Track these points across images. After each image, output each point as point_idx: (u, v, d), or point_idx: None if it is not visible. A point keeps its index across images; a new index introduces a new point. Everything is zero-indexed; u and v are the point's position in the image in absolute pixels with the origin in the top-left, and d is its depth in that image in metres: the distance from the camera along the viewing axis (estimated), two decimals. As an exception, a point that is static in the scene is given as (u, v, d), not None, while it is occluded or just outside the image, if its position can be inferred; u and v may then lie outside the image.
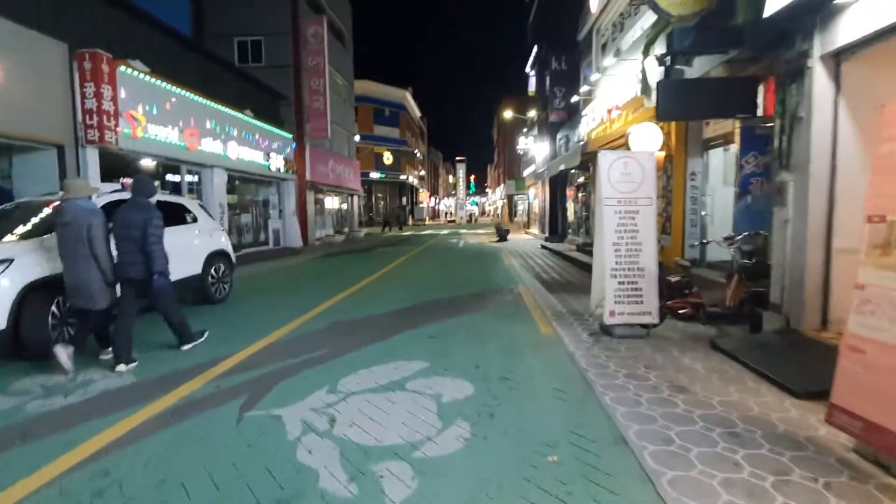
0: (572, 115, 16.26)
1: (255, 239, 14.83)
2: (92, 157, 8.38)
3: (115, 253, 4.23)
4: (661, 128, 8.12)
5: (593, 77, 10.77)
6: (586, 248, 12.39)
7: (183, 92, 10.55)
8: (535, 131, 24.01)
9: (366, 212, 41.96)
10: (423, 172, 59.23)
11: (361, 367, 4.03)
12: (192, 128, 10.86)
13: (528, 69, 25.23)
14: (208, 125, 11.57)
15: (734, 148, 7.16)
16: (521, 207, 47.76)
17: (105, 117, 8.29)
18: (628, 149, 9.53)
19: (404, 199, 46.35)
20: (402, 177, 45.43)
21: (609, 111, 10.23)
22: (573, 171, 16.24)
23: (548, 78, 18.38)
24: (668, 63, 6.21)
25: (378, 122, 42.70)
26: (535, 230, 25.64)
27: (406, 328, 5.39)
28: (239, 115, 13.03)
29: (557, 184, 19.28)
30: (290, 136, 16.62)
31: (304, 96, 19.35)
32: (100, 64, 8.27)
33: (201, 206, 7.09)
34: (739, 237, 5.12)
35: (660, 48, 7.79)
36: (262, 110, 15.16)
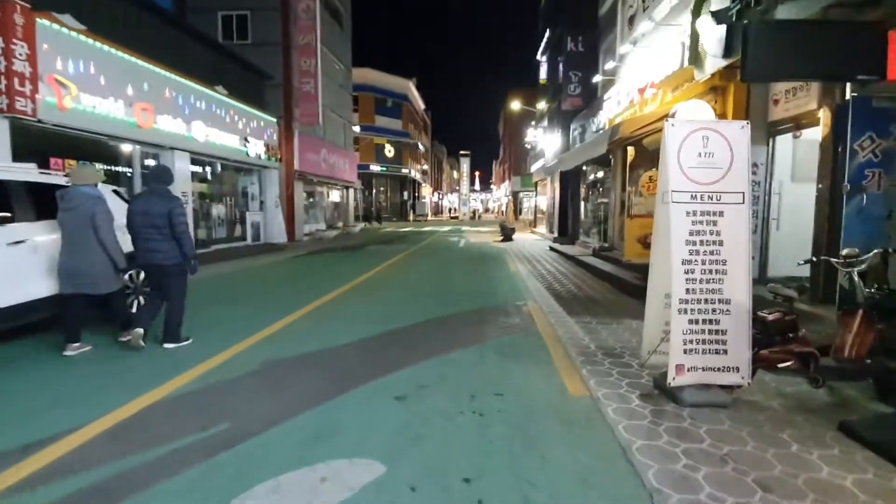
0: (589, 102, 14.53)
1: (229, 233, 13.19)
2: (-1, 129, 6.73)
3: (127, 240, 4.38)
4: (714, 107, 6.41)
5: (623, 49, 9.03)
6: (605, 254, 10.70)
7: (131, 58, 8.89)
8: (545, 123, 22.26)
9: (365, 206, 40.34)
10: (426, 166, 57.49)
11: (266, 473, 2.35)
12: (145, 101, 9.20)
13: (538, 56, 23.45)
14: (167, 100, 9.91)
15: (812, 133, 5.47)
16: (526, 205, 46.03)
17: (16, 80, 6.64)
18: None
19: (405, 194, 44.67)
20: (404, 170, 43.73)
21: (641, 90, 8.52)
22: (586, 166, 14.53)
23: (561, 63, 16.62)
24: (736, 12, 4.50)
25: (379, 112, 40.97)
26: (542, 229, 23.93)
27: (367, 375, 3.72)
28: (208, 91, 11.36)
29: (569, 180, 17.57)
30: (274, 119, 14.94)
31: (293, 78, 17.67)
32: (11, 14, 6.61)
33: (116, 193, 5.43)
34: (867, 255, 3.42)
35: (715, 2, 6.08)
36: (242, 89, 13.48)
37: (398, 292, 7.36)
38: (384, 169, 41.43)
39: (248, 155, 13.16)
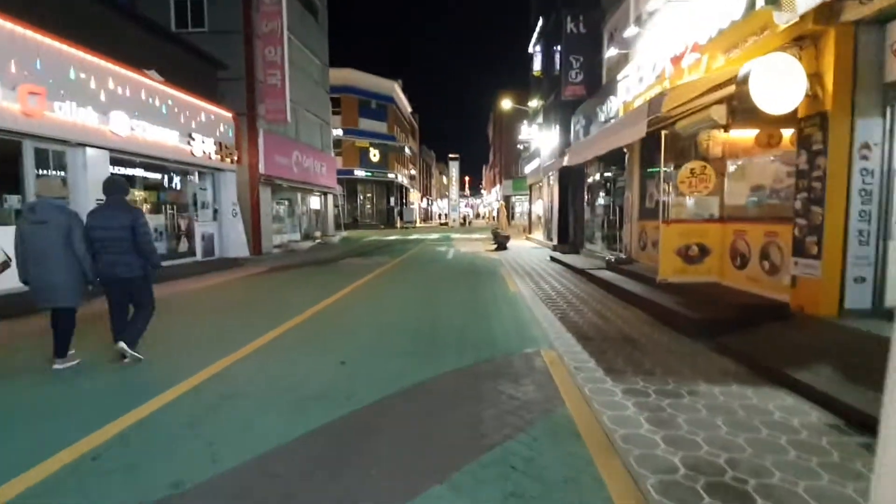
0: (594, 90, 12.67)
1: (171, 248, 11.04)
2: None
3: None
4: (805, 64, 4.49)
5: (652, 4, 7.09)
6: (624, 268, 8.73)
7: (13, 26, 6.80)
8: (541, 119, 20.40)
9: (349, 213, 38.24)
10: (413, 171, 55.57)
11: None
12: (35, 83, 7.10)
13: (531, 48, 21.63)
14: (72, 83, 7.81)
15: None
16: (519, 209, 44.24)
17: None
18: (731, 109, 5.89)
19: (392, 200, 42.62)
20: (391, 175, 41.75)
21: (676, 58, 6.58)
22: (589, 165, 12.64)
23: (560, 49, 14.76)
24: None
25: (363, 114, 39.03)
26: (538, 236, 22.01)
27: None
28: (134, 75, 9.26)
29: (569, 181, 15.68)
30: (230, 114, 12.85)
31: (256, 69, 15.61)
32: None
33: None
34: None
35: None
36: (185, 77, 11.40)
37: (357, 335, 5.29)
38: (369, 174, 39.41)
39: (193, 154, 11.05)
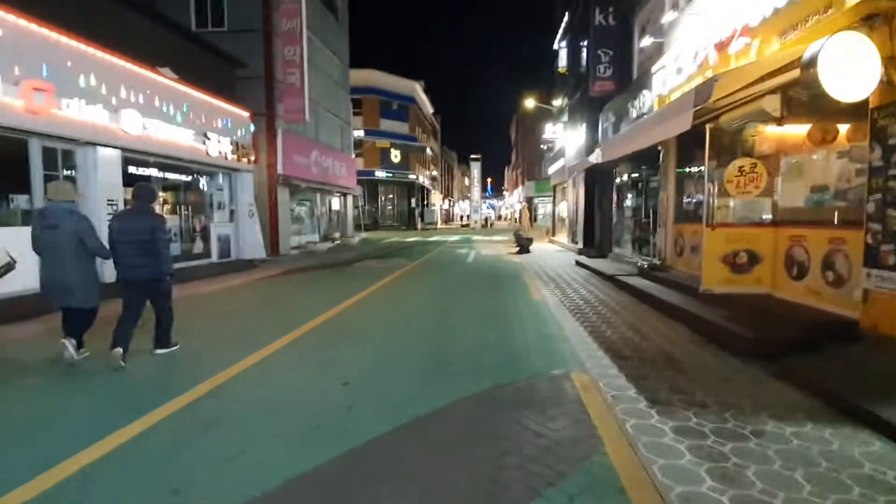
0: (623, 86, 11.97)
1: (186, 250, 10.82)
2: None
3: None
4: (878, 46, 3.84)
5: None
6: (658, 275, 8.06)
7: (17, 19, 6.59)
8: (566, 118, 19.70)
9: (370, 214, 38.09)
10: (435, 172, 55.22)
11: None
12: (42, 79, 6.88)
13: (556, 44, 20.95)
14: (81, 81, 7.60)
15: None
16: (541, 211, 43.42)
17: None
18: (787, 98, 5.17)
19: (413, 201, 42.33)
20: (411, 176, 41.46)
21: (722, 44, 5.93)
22: (618, 165, 11.94)
23: (588, 43, 14.10)
24: None
25: (385, 115, 38.83)
26: (562, 238, 21.28)
27: None
28: (147, 72, 9.04)
29: (596, 181, 14.98)
30: (247, 114, 12.62)
31: (275, 69, 15.40)
32: None
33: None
34: None
35: None
36: (202, 76, 11.19)
37: (365, 348, 4.82)
38: (390, 175, 39.20)
39: (208, 154, 10.82)
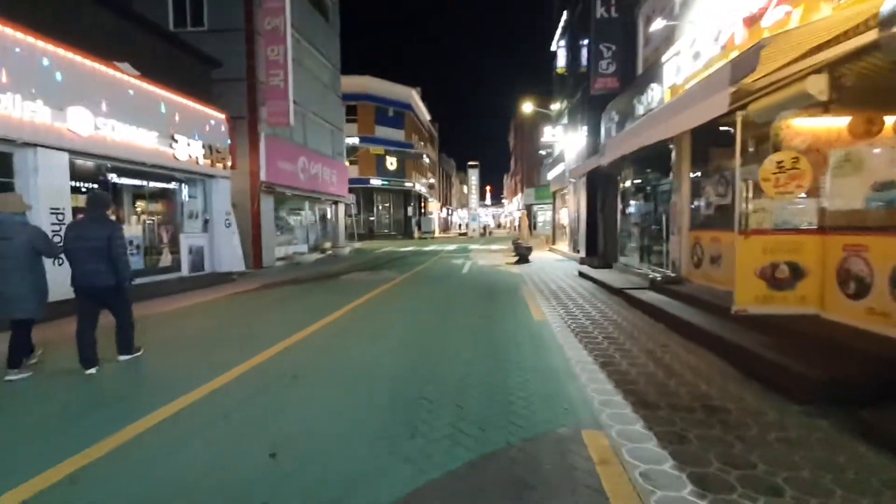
0: (627, 83, 11.10)
1: (151, 264, 9.85)
2: None
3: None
4: None
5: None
6: (674, 289, 7.10)
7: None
8: (565, 120, 18.84)
9: (365, 223, 37.21)
10: (432, 180, 54.40)
11: None
12: (-36, 70, 5.97)
13: (554, 45, 20.16)
14: (17, 73, 6.69)
15: None
16: (541, 219, 42.57)
17: None
18: (837, 78, 4.19)
19: (410, 209, 41.43)
20: (408, 184, 40.62)
21: (751, 18, 5.01)
22: (621, 169, 11.03)
23: (589, 38, 13.26)
24: None
25: (380, 122, 38.09)
26: (562, 247, 20.34)
27: None
28: (101, 66, 8.14)
29: (599, 186, 14.07)
30: (223, 115, 11.72)
31: (258, 69, 14.56)
32: None
33: None
34: None
35: None
36: (170, 73, 10.31)
37: (316, 394, 3.84)
38: (386, 183, 38.35)
39: (176, 158, 9.89)
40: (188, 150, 10.23)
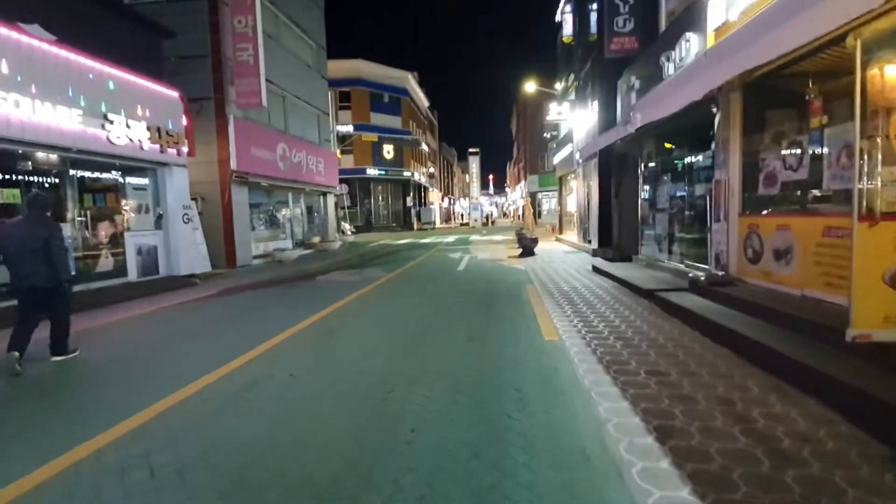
0: (648, 42, 9.36)
1: (87, 268, 8.29)
2: None
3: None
4: None
5: None
6: (724, 292, 5.44)
7: None
8: (573, 96, 17.05)
9: (362, 215, 35.61)
10: (432, 169, 52.63)
11: None
12: None
13: (559, 15, 18.29)
14: None
15: None
16: (545, 206, 40.82)
17: None
18: None
19: (409, 200, 39.75)
20: (406, 173, 38.93)
21: None
22: (636, 145, 9.33)
23: (597, 3, 11.50)
24: None
25: (375, 109, 36.31)
26: (571, 236, 18.65)
27: None
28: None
29: (613, 167, 12.36)
30: (174, 93, 10.07)
31: (224, 45, 12.88)
32: None
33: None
34: None
35: None
36: (116, 46, 8.67)
37: (199, 488, 2.25)
38: (383, 172, 36.65)
39: (110, 142, 8.28)
40: (127, 133, 8.61)
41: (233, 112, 12.95)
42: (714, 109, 6.44)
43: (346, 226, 27.42)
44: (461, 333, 5.15)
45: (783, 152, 5.30)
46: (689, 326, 5.08)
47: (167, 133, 9.65)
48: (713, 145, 6.73)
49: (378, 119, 36.22)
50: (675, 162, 8.43)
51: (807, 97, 5.03)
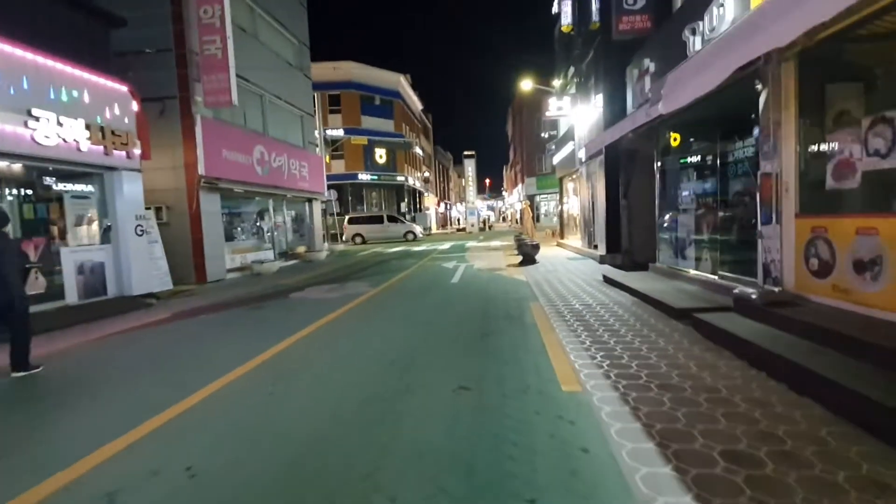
0: (661, 18, 8.18)
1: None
2: None
3: None
4: None
5: None
6: (787, 315, 4.20)
7: None
8: (573, 90, 15.86)
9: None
10: (427, 174, 51.46)
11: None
12: None
13: (555, 5, 17.15)
14: None
15: None
16: (543, 209, 39.70)
17: None
18: None
19: (403, 205, 38.50)
20: (400, 178, 37.70)
21: None
22: (650, 140, 8.16)
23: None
24: None
25: (366, 112, 35.16)
26: (574, 241, 17.43)
27: None
28: None
29: (621, 164, 11.17)
30: (123, 87, 8.82)
31: (189, 38, 11.66)
32: None
33: None
34: None
35: None
36: (48, 33, 7.43)
37: None
38: (375, 177, 35.43)
39: (35, 142, 7.01)
40: (59, 132, 7.34)
41: (200, 111, 11.71)
42: (758, 86, 5.23)
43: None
44: (449, 379, 3.88)
45: (866, 133, 4.08)
46: (751, 364, 3.84)
47: (113, 133, 8.39)
48: (755, 132, 5.52)
49: (369, 122, 35.05)
50: (702, 155, 7.21)
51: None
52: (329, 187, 22.92)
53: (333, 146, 31.02)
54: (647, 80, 8.30)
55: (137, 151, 8.98)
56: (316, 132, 20.86)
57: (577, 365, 4.04)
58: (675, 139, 8.08)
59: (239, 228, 15.12)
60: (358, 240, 28.13)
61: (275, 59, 16.25)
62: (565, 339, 4.89)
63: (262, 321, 6.81)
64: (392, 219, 29.67)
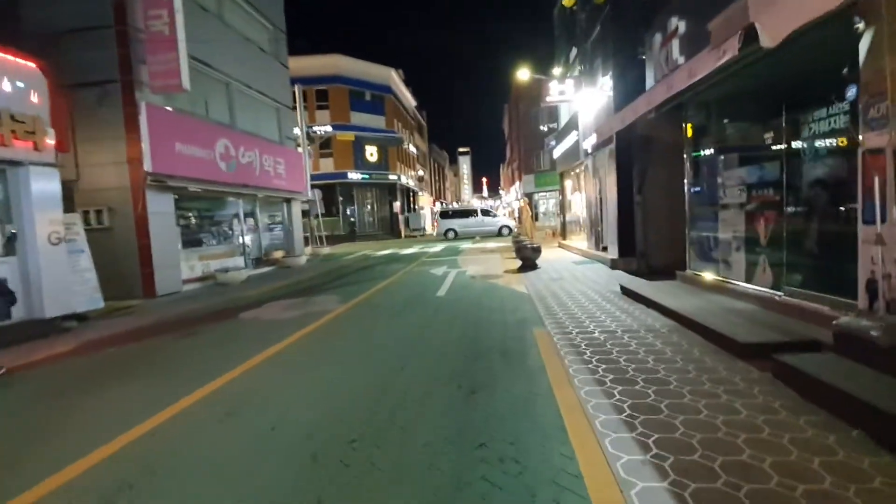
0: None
1: None
2: None
3: None
4: None
5: None
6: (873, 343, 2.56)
7: None
8: (577, 72, 14.25)
9: (344, 223, 32.74)
10: (422, 173, 49.80)
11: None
12: None
13: (555, -19, 15.55)
14: None
15: None
16: (542, 208, 38.10)
17: None
18: None
19: (396, 205, 36.84)
20: (392, 177, 36.03)
21: None
22: (688, 116, 6.60)
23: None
24: None
25: (356, 107, 33.51)
26: (579, 242, 15.82)
27: None
28: None
29: (634, 156, 9.62)
30: (31, 64, 7.18)
31: (131, 13, 10.02)
32: None
33: None
34: None
35: None
36: None
37: None
38: (366, 176, 33.76)
39: None
40: (-75, 115, 5.70)
41: (146, 98, 10.06)
42: (858, 25, 3.62)
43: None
44: (417, 482, 2.27)
45: None
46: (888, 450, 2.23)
47: (13, 118, 6.75)
48: (850, 93, 3.92)
49: (359, 119, 33.39)
50: (755, 134, 5.59)
51: None
52: (315, 187, 21.31)
53: (321, 143, 29.40)
54: (675, 44, 6.68)
55: (50, 142, 7.33)
56: (296, 128, 19.23)
57: (612, 450, 2.42)
58: (705, 119, 6.49)
59: (208, 233, 13.50)
60: (451, 234, 28.01)
61: (244, 45, 14.59)
62: (591, 399, 3.27)
63: (177, 360, 5.16)
64: (485, 213, 29.47)
